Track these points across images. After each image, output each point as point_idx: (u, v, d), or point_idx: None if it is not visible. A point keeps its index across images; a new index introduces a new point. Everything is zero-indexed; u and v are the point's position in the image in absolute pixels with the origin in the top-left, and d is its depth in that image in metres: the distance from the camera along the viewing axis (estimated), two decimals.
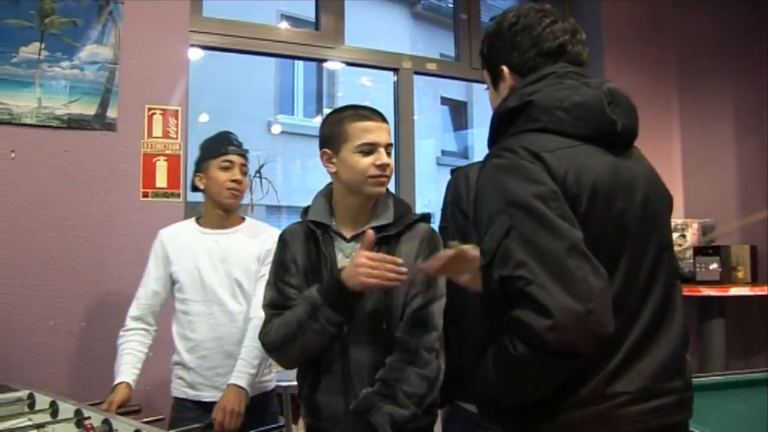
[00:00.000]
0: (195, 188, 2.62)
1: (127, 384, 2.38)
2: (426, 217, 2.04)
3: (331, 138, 1.94)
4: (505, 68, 1.56)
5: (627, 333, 1.36)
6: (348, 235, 1.95)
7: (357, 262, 1.77)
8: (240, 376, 2.37)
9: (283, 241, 2.02)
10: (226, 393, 2.33)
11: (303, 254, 1.96)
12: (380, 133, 1.92)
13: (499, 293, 1.28)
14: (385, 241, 1.92)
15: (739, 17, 4.89)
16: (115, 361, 2.57)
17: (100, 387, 2.96)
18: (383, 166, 1.90)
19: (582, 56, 1.57)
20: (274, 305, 1.95)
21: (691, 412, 1.46)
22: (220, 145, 2.57)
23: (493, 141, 1.53)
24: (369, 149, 1.89)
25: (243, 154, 2.60)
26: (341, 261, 1.92)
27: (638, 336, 1.37)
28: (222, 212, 2.58)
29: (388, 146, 1.94)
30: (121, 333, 2.55)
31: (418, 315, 1.86)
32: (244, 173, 2.59)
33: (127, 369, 2.43)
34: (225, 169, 2.52)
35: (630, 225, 1.39)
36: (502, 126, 1.50)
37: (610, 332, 1.25)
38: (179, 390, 2.58)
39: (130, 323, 2.56)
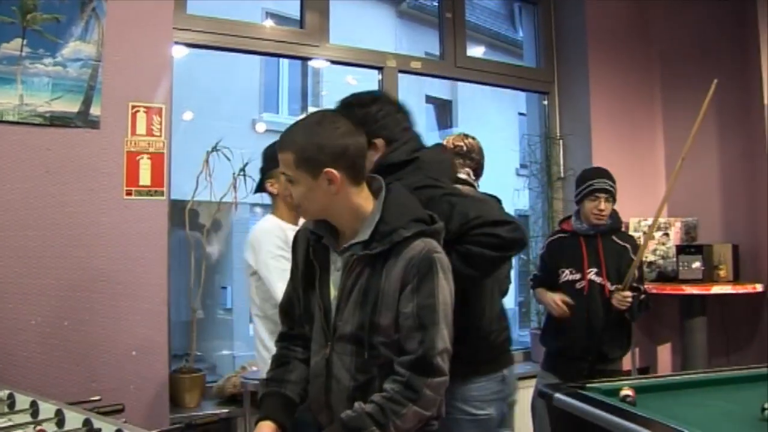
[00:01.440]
0: (263, 190, 2.89)
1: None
2: (426, 233, 1.85)
3: None
4: (379, 140, 2.16)
5: None
6: (339, 248, 1.90)
7: None
8: None
9: (294, 240, 2.06)
10: None
11: (303, 259, 1.99)
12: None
13: (459, 233, 2.01)
14: (369, 263, 1.83)
15: (722, 17, 4.92)
16: (97, 359, 2.53)
17: (81, 386, 2.96)
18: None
19: None
20: (283, 309, 2.11)
21: None
22: None
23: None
24: None
25: None
26: (333, 273, 1.92)
27: None
28: (296, 211, 2.74)
29: (287, 176, 1.86)
30: None
31: (422, 362, 1.75)
32: None
33: None
34: None
35: None
36: (390, 171, 2.10)
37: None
38: None
39: None
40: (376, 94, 2.37)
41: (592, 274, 3.54)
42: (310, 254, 1.95)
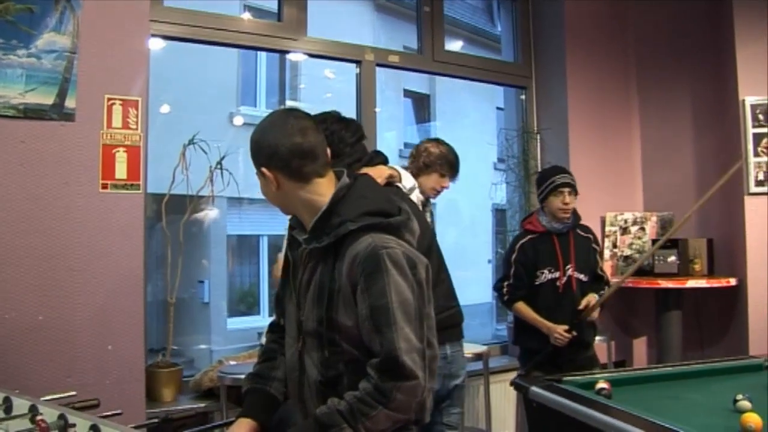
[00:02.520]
0: None
1: None
2: (379, 226, 1.78)
3: None
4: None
5: None
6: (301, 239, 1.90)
7: None
8: None
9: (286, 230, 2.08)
10: None
11: (285, 251, 2.04)
12: None
13: None
14: (322, 257, 1.82)
15: (697, 15, 4.97)
16: (72, 353, 2.49)
17: (56, 381, 2.93)
18: None
19: None
20: (276, 298, 2.11)
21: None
22: None
23: None
24: None
25: None
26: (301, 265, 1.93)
27: None
28: None
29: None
30: None
31: (386, 365, 1.68)
32: None
33: None
34: None
35: None
36: None
37: None
38: None
39: None
40: (327, 114, 2.63)
41: (570, 270, 3.61)
42: (287, 247, 1.99)
